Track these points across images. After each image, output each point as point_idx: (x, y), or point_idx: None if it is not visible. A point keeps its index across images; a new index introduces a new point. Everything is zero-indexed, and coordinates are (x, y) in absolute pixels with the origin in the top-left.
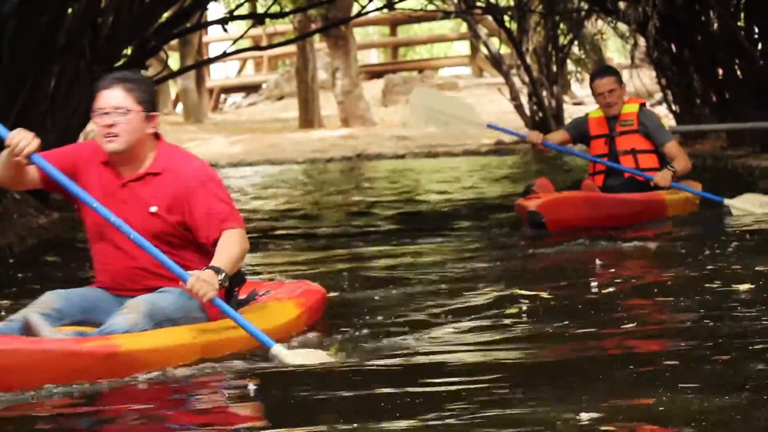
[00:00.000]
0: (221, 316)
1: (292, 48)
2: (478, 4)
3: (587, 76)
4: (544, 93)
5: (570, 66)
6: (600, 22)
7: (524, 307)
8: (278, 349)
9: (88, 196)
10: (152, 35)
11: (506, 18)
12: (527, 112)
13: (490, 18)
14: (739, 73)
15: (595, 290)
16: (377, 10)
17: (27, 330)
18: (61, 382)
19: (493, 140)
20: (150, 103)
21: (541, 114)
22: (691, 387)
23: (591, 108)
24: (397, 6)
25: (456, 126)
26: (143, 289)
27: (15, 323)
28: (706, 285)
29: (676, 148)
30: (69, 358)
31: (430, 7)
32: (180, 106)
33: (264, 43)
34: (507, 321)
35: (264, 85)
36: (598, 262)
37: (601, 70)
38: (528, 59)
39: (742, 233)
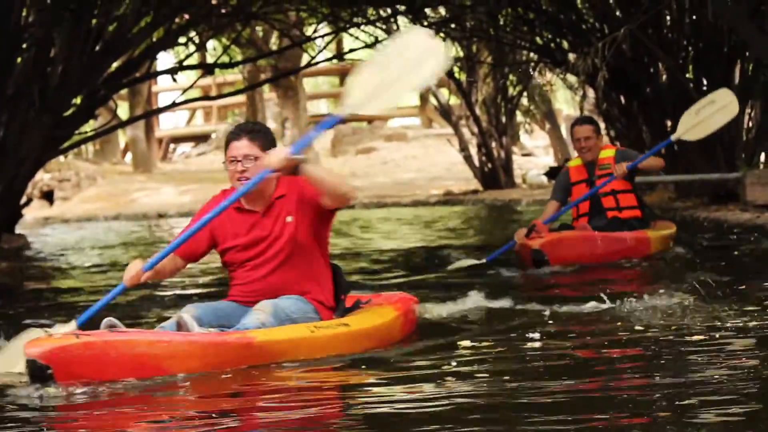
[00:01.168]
0: (331, 317)
1: (241, 98)
2: None
3: (536, 127)
4: (493, 144)
5: (519, 117)
6: (549, 74)
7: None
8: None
9: (204, 219)
10: (102, 85)
11: (455, 69)
12: (476, 163)
13: None
14: None
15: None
16: (327, 60)
17: (180, 328)
18: (208, 368)
19: (441, 191)
20: (272, 149)
21: (490, 165)
22: None
23: (539, 159)
24: (346, 57)
25: None
26: (263, 299)
27: (167, 327)
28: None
29: (652, 159)
30: (215, 347)
31: None
32: (129, 156)
33: (213, 92)
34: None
35: (213, 135)
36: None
37: (581, 118)
38: (477, 110)
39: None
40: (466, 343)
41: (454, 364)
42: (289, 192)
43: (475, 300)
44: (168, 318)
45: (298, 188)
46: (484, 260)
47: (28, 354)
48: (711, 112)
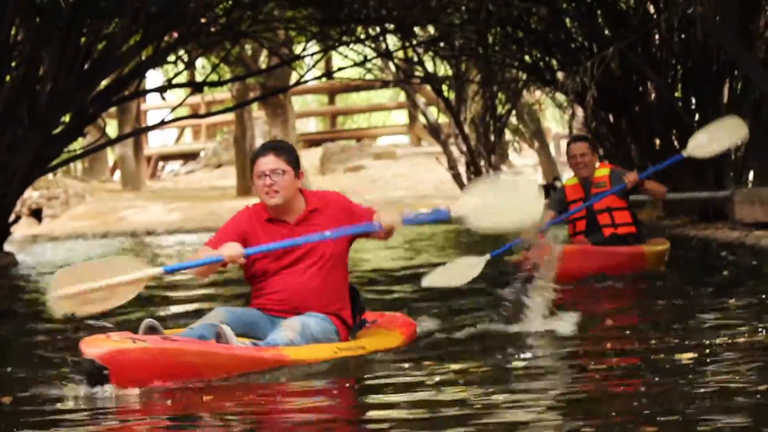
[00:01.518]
0: (349, 338)
1: (230, 116)
2: (417, 73)
3: (525, 146)
4: (482, 162)
5: (508, 135)
6: (538, 92)
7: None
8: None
9: (278, 245)
10: (90, 103)
11: (444, 87)
12: (465, 181)
13: (428, 87)
14: (676, 143)
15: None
16: (316, 78)
17: (219, 338)
18: (243, 376)
19: (430, 209)
20: (297, 164)
21: None
22: None
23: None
24: (335, 75)
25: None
26: (292, 310)
27: (195, 332)
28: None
29: (656, 185)
30: (252, 361)
31: (369, 77)
32: (118, 174)
33: (202, 111)
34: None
35: (202, 153)
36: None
37: (576, 136)
38: (466, 128)
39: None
40: (462, 355)
41: (450, 375)
42: (321, 207)
43: (469, 313)
44: (186, 317)
45: (334, 207)
46: (488, 255)
47: (87, 354)
48: (722, 134)
